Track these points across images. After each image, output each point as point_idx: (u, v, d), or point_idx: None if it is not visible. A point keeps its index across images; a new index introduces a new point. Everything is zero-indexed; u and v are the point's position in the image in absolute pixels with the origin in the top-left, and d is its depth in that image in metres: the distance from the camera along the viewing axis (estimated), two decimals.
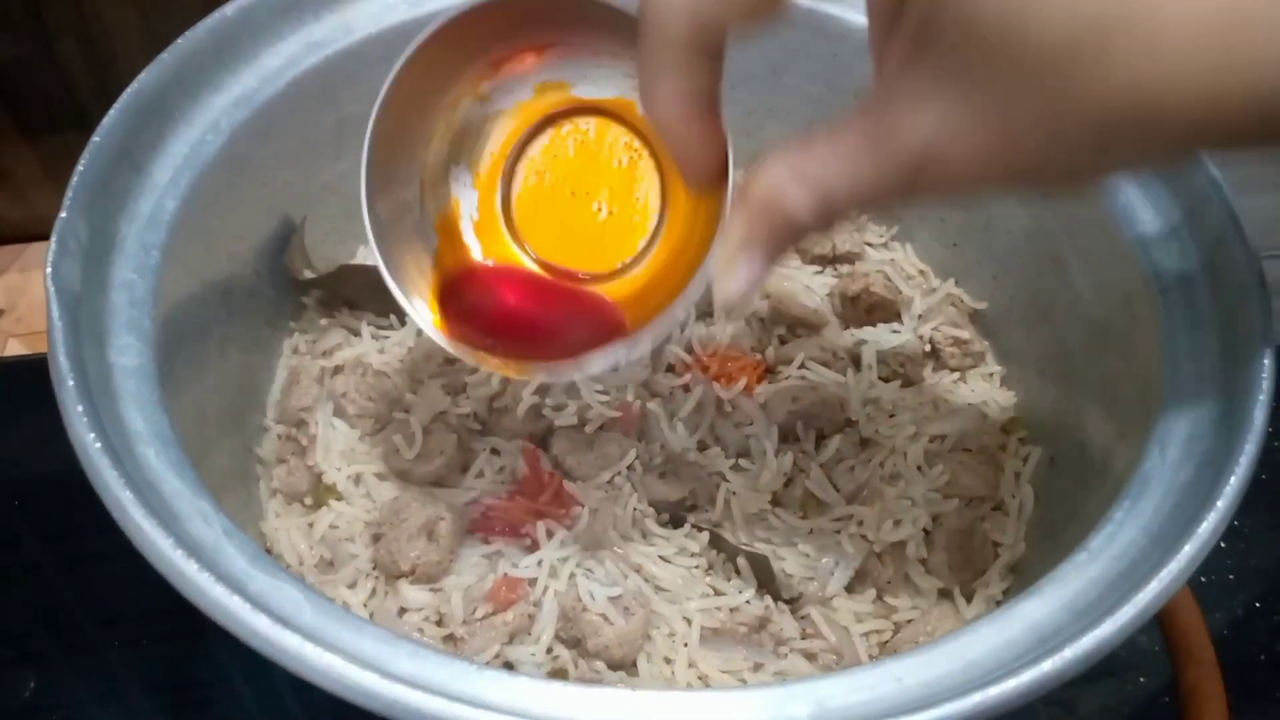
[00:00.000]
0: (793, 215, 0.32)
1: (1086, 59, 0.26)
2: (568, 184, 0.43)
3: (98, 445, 0.34)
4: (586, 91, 0.42)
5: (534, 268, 0.44)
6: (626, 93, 0.41)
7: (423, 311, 0.41)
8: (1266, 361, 0.39)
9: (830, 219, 0.32)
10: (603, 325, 0.42)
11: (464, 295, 0.43)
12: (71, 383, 0.35)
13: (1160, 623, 0.58)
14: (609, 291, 0.43)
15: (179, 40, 0.47)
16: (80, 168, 0.42)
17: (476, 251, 0.44)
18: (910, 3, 0.29)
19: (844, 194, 0.31)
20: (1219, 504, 0.35)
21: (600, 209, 0.42)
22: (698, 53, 0.32)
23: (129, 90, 0.44)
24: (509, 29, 0.40)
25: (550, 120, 0.43)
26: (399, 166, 0.42)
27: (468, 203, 0.44)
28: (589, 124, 0.42)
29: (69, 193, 0.41)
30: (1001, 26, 0.26)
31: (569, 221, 0.43)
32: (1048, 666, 0.31)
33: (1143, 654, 0.63)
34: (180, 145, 0.47)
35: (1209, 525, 0.35)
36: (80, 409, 0.35)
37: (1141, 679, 0.64)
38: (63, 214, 0.40)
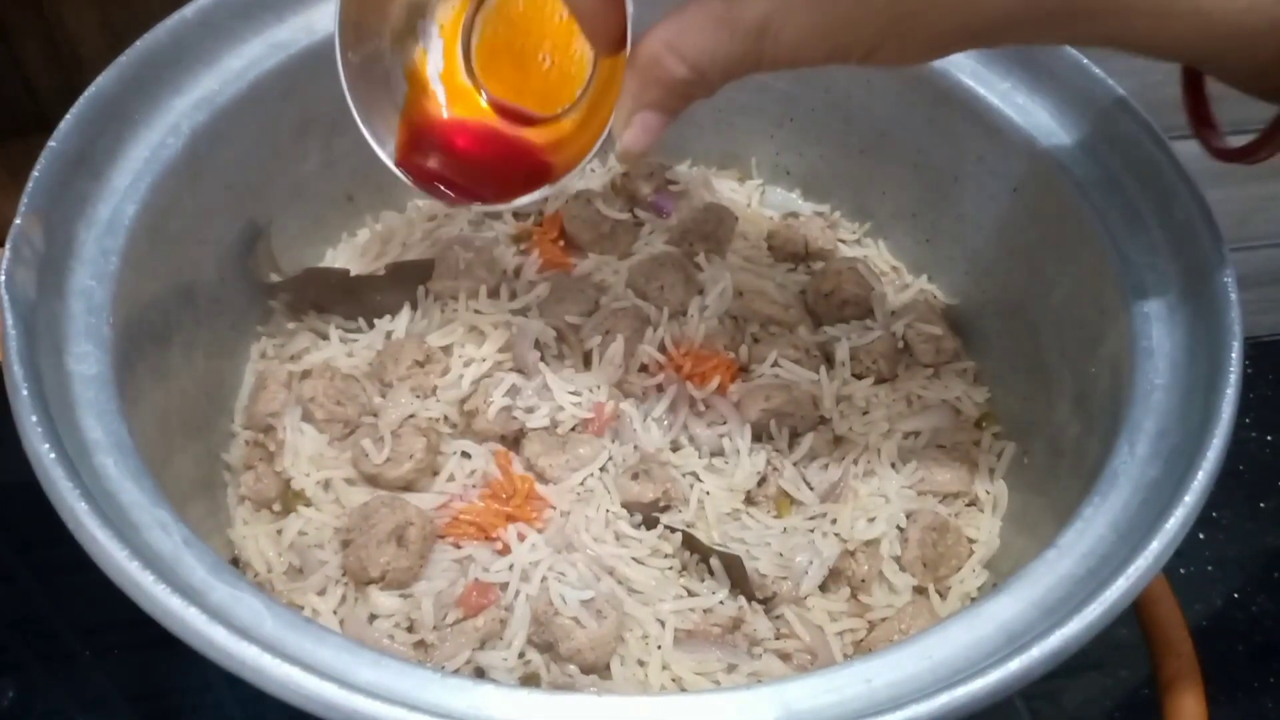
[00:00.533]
0: (673, 80, 0.38)
1: None
2: (518, 36, 0.48)
3: (52, 456, 0.34)
4: None
5: (488, 109, 0.50)
6: None
7: (389, 150, 0.48)
8: (1234, 356, 0.39)
9: (707, 82, 0.38)
10: (533, 168, 0.48)
11: (423, 140, 0.49)
12: (25, 392, 0.35)
13: (1138, 615, 0.58)
14: (548, 133, 0.49)
15: (137, 43, 0.46)
16: (36, 173, 0.41)
17: (441, 96, 0.50)
18: None
19: (707, 61, 0.37)
20: (1186, 499, 0.35)
21: (545, 60, 0.48)
22: None
23: (86, 94, 0.44)
24: None
25: None
26: (369, 20, 0.47)
27: (434, 52, 0.49)
28: None
29: (24, 199, 0.40)
30: None
31: (519, 69, 0.49)
32: (1015, 666, 0.31)
33: (1123, 647, 0.63)
34: (140, 149, 0.46)
35: (1176, 521, 0.35)
36: (34, 419, 0.34)
37: (1122, 672, 0.65)
38: (17, 221, 0.39)
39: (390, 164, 0.48)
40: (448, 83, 0.50)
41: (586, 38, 0.41)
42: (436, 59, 0.50)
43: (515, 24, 0.48)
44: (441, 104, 0.50)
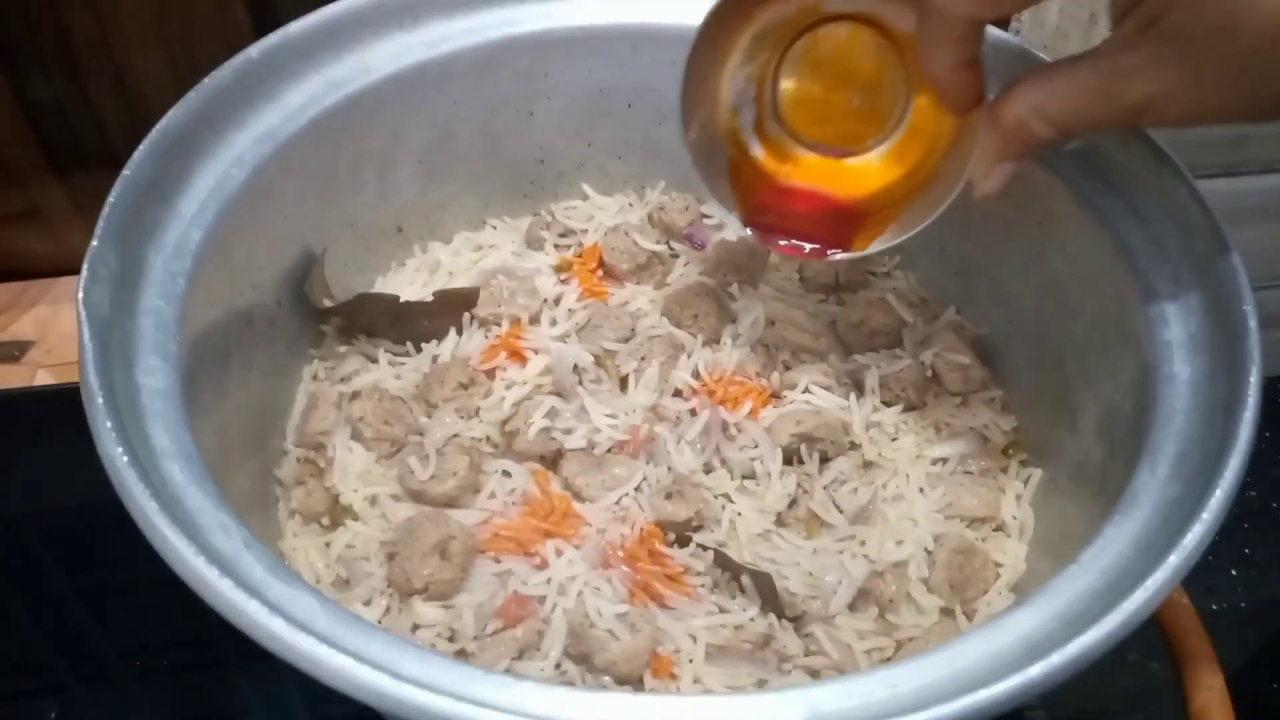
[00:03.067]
0: (1037, 140, 0.42)
1: None
2: (824, 78, 0.51)
3: (125, 459, 0.36)
4: (835, 5, 0.49)
5: (799, 148, 0.53)
6: (871, 5, 0.48)
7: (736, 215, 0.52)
8: (1253, 381, 0.40)
9: (1070, 138, 0.43)
10: (857, 210, 0.52)
11: (755, 199, 0.53)
12: (101, 400, 0.37)
13: (1169, 650, 0.58)
14: (859, 172, 0.52)
15: (205, 80, 0.49)
16: (111, 200, 0.44)
17: (757, 148, 0.53)
18: None
19: (1078, 126, 0.41)
20: (1204, 516, 0.36)
21: (852, 99, 0.51)
22: (971, 33, 0.43)
23: (157, 127, 0.47)
24: None
25: (809, 28, 0.50)
26: (699, 95, 0.50)
27: (745, 107, 0.52)
28: (843, 28, 0.50)
29: (100, 223, 0.43)
30: (1217, 28, 0.36)
31: (826, 109, 0.52)
32: (1035, 671, 0.32)
33: (1155, 683, 0.63)
34: (206, 179, 0.49)
35: (1194, 536, 0.36)
36: (109, 425, 0.36)
37: (1153, 707, 0.65)
38: (94, 243, 0.42)
39: (744, 229, 0.52)
40: (760, 133, 0.53)
41: (944, 105, 0.46)
42: (748, 113, 0.52)
43: (821, 67, 0.51)
44: (759, 156, 0.53)
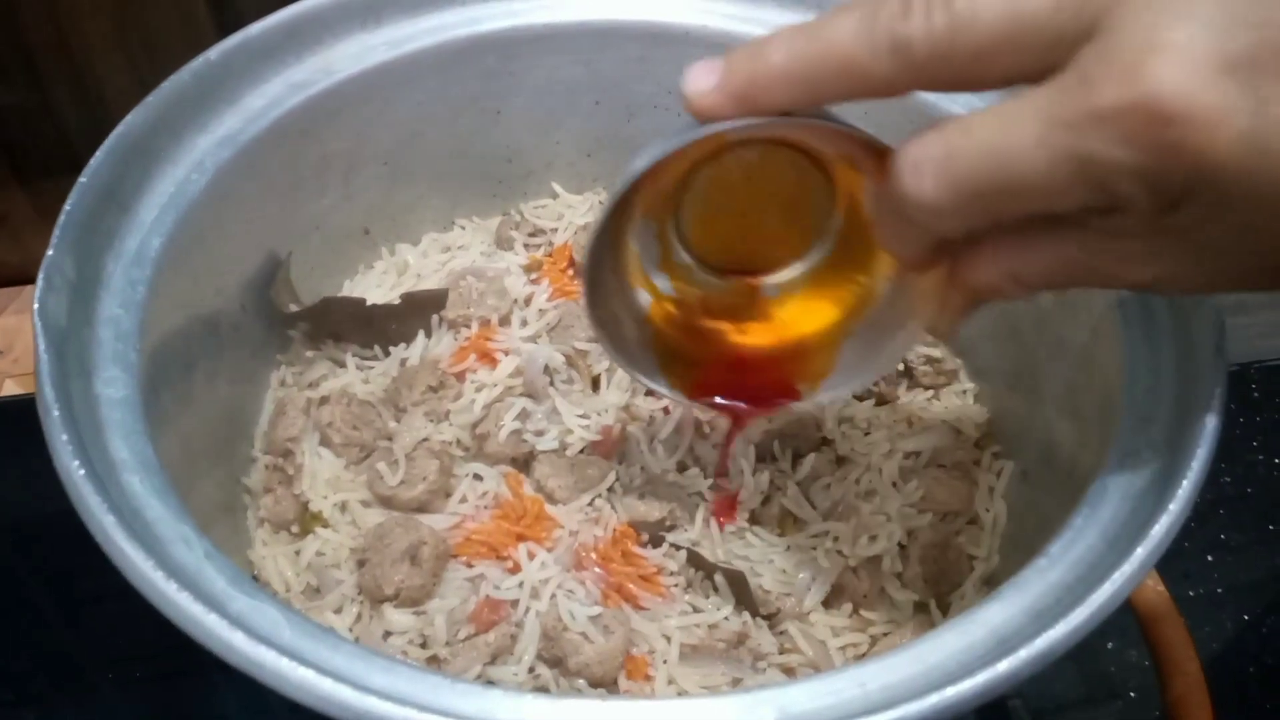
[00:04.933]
0: (1008, 299, 0.36)
1: None
2: (735, 203, 0.43)
3: (81, 472, 0.35)
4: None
5: (710, 276, 0.46)
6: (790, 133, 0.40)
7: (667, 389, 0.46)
8: (1219, 370, 0.40)
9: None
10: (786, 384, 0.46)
11: (681, 361, 0.46)
12: (57, 413, 0.37)
13: (1145, 636, 0.58)
14: (793, 319, 0.46)
15: (163, 84, 0.48)
16: (68, 208, 0.43)
17: (665, 285, 0.45)
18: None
19: (1059, 289, 0.36)
20: (1171, 507, 0.36)
21: (765, 221, 0.44)
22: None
23: (115, 132, 0.46)
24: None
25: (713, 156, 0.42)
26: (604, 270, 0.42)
27: (648, 250, 0.44)
28: (754, 150, 0.41)
29: (56, 231, 0.42)
30: (1244, 227, 0.29)
31: (738, 233, 0.45)
32: (1002, 667, 0.32)
33: (1132, 670, 0.64)
34: (166, 184, 0.48)
35: (1161, 528, 0.35)
36: (65, 437, 0.36)
37: (1132, 694, 0.65)
38: (50, 252, 0.41)
39: (685, 400, 0.46)
40: (667, 270, 0.45)
41: (900, 264, 0.39)
42: (650, 251, 0.44)
43: (732, 193, 0.42)
44: (671, 298, 0.45)
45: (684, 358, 0.46)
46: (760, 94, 0.33)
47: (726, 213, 0.43)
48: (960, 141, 0.30)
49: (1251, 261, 0.31)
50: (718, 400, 0.47)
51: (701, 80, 0.34)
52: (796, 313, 0.45)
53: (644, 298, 0.45)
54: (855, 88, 0.32)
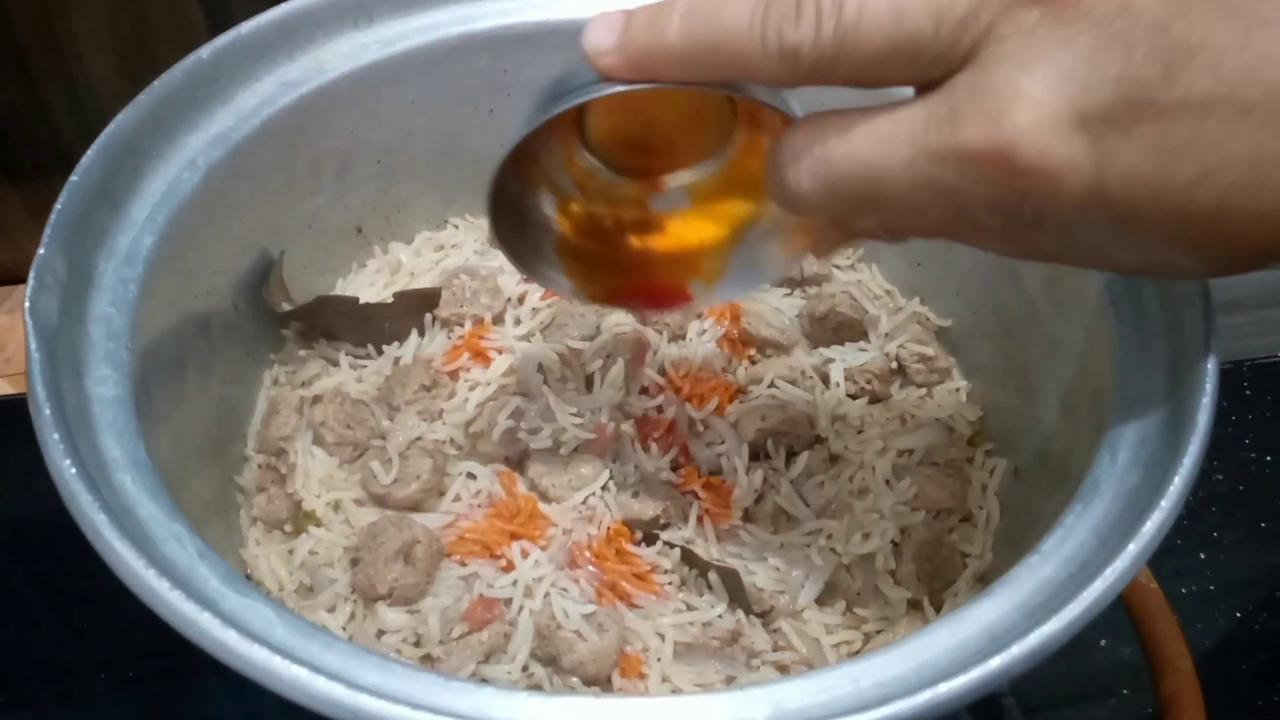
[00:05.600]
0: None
1: None
2: (640, 111, 0.44)
3: (73, 471, 0.35)
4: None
5: (614, 176, 0.46)
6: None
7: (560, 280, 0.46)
8: (1210, 367, 0.40)
9: None
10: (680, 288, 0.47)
11: (585, 259, 0.47)
12: (48, 411, 0.37)
13: (1138, 633, 0.58)
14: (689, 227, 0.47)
15: (154, 82, 0.48)
16: (59, 206, 0.43)
17: (569, 185, 0.46)
18: None
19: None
20: (1163, 504, 0.36)
21: (668, 128, 0.45)
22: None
23: (106, 131, 0.46)
24: None
25: None
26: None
27: (552, 155, 0.45)
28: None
29: (47, 230, 0.42)
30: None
31: (641, 136, 0.45)
32: (995, 664, 0.32)
33: (1125, 667, 0.64)
34: (158, 183, 0.48)
35: (1153, 525, 0.36)
36: (56, 436, 0.36)
37: (1124, 691, 0.65)
38: (41, 251, 0.41)
39: (586, 300, 0.49)
40: (572, 171, 0.46)
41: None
42: (556, 158, 0.45)
43: (634, 104, 0.42)
44: (575, 199, 0.46)
45: (586, 262, 0.47)
46: (656, 67, 0.34)
47: (631, 118, 0.45)
48: (838, 147, 0.33)
49: (1104, 256, 0.34)
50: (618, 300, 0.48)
51: (601, 37, 0.35)
52: (692, 223, 0.47)
53: (548, 203, 0.46)
54: (746, 77, 0.34)
